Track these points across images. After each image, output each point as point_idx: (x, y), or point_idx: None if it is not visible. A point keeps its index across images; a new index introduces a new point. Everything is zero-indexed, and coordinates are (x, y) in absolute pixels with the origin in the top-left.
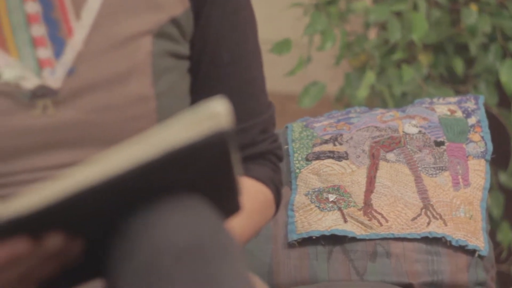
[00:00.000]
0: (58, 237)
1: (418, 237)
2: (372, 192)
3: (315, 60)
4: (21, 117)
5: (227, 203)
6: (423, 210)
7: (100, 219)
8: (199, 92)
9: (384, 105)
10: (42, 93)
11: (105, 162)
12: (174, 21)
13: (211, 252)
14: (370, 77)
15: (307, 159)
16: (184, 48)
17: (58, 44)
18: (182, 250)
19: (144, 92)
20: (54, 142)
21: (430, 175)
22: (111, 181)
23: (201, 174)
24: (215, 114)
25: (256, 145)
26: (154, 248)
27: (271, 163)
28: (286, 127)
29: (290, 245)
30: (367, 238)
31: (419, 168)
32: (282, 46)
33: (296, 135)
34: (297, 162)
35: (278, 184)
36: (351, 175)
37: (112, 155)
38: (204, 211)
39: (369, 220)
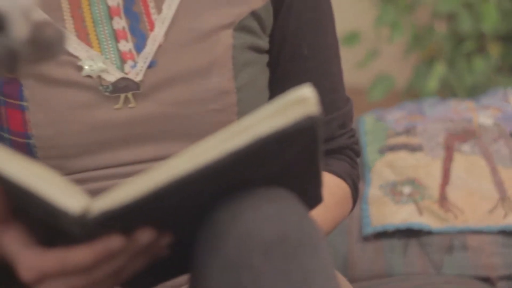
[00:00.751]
0: (149, 233)
1: (495, 230)
2: (447, 184)
3: (381, 53)
4: (103, 111)
5: (310, 194)
6: (500, 202)
7: (187, 213)
8: (278, 86)
9: (454, 96)
10: (123, 86)
11: (194, 154)
12: (255, 14)
13: (298, 245)
14: (439, 69)
15: (380, 152)
16: (263, 42)
17: (139, 37)
18: (269, 243)
19: (224, 86)
20: (135, 136)
21: (506, 167)
22: (201, 173)
23: (288, 163)
24: (304, 99)
25: (335, 140)
26: (242, 242)
27: (349, 158)
28: (358, 120)
29: (365, 239)
30: (443, 231)
31: (495, 160)
32: (351, 38)
33: (368, 127)
34: (370, 155)
35: (356, 180)
36: (425, 167)
37: (200, 146)
38: (290, 202)
39: (445, 212)
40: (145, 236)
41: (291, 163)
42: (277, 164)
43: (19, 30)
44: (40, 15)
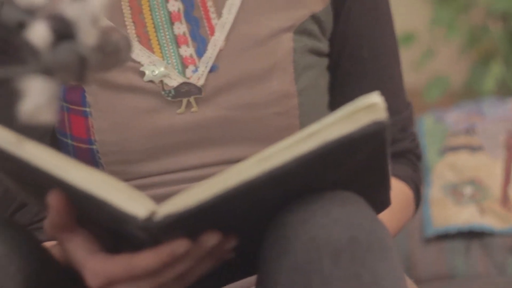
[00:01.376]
0: (214, 236)
1: None
2: (509, 184)
3: (437, 53)
4: (165, 115)
5: (378, 199)
6: None
7: (254, 216)
8: (338, 89)
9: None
10: (185, 90)
11: (262, 158)
12: (315, 18)
13: (368, 248)
14: (496, 68)
15: (440, 153)
16: (323, 45)
17: (200, 42)
18: (339, 246)
19: (286, 89)
20: (197, 140)
21: None
22: (268, 177)
23: (356, 167)
24: (372, 105)
25: (396, 144)
26: (311, 245)
27: (411, 162)
28: (416, 121)
29: (427, 240)
30: (505, 232)
31: None
32: (406, 39)
33: (427, 128)
34: (430, 156)
35: (418, 184)
36: (486, 167)
37: (268, 151)
38: (359, 206)
39: (507, 213)
40: (210, 239)
41: (359, 168)
42: (345, 169)
43: (88, 37)
44: (106, 21)
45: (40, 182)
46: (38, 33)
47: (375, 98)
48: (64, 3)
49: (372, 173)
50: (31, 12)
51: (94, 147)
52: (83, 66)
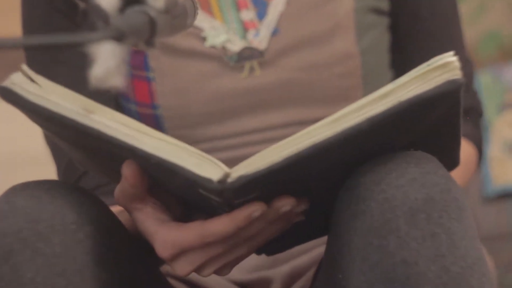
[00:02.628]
0: (289, 200)
1: None
2: None
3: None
4: (228, 80)
5: (449, 157)
6: None
7: (326, 178)
8: (398, 49)
9: None
10: (248, 55)
11: (335, 119)
12: None
13: (443, 207)
14: None
15: (498, 110)
16: (384, 4)
17: (260, 5)
18: (415, 206)
19: (348, 49)
20: (261, 103)
21: None
22: (342, 138)
23: (430, 127)
24: (447, 64)
25: None
26: (387, 206)
27: (473, 120)
28: None
29: (486, 199)
30: None
31: None
32: None
33: (484, 85)
34: (488, 113)
35: (480, 141)
36: None
37: (341, 112)
38: (433, 165)
39: None
40: (285, 205)
41: (433, 128)
42: (419, 129)
43: (157, 0)
44: None
45: (109, 151)
46: None
47: (450, 57)
48: None
49: (445, 133)
50: None
51: (158, 112)
52: (153, 29)
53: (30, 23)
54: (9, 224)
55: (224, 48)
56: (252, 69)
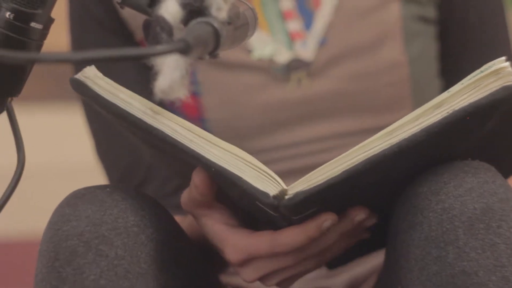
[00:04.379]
0: (364, 211)
1: None
2: None
3: None
4: (277, 92)
5: (506, 164)
6: None
7: (383, 190)
8: (448, 57)
9: None
10: (295, 66)
11: (390, 132)
12: None
13: (502, 217)
14: None
15: None
16: (430, 12)
17: (307, 16)
18: (474, 216)
19: (396, 58)
20: (310, 114)
21: None
22: (397, 149)
23: (486, 134)
24: (500, 70)
25: None
26: (446, 215)
27: None
28: None
29: None
30: None
31: None
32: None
33: None
34: None
35: None
36: None
37: (395, 124)
38: (491, 174)
39: None
40: (360, 214)
41: (489, 135)
42: (475, 136)
43: (220, 11)
44: None
45: (173, 152)
46: (170, 9)
47: (502, 63)
48: None
49: (501, 140)
50: None
51: (206, 125)
52: (217, 41)
53: (82, 46)
54: (72, 227)
55: (271, 60)
56: (299, 80)
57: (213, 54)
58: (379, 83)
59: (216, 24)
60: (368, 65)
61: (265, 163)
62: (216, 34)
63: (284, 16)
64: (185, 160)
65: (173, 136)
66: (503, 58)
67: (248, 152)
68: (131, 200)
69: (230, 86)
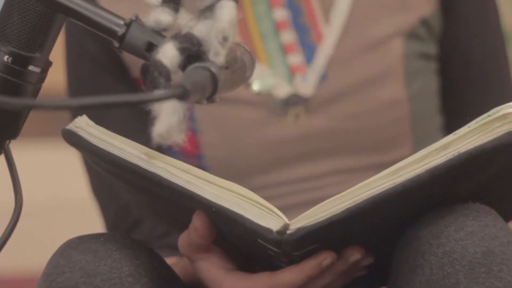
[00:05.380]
0: (359, 251)
1: None
2: None
3: None
4: (274, 128)
5: (508, 207)
6: None
7: (384, 230)
8: (449, 94)
9: None
10: (294, 101)
11: (393, 172)
12: (424, 21)
13: (503, 260)
14: None
15: None
16: (433, 49)
17: (308, 49)
18: (475, 260)
19: (397, 96)
20: (309, 151)
21: None
22: (401, 189)
23: (490, 178)
24: (507, 115)
25: None
26: (446, 259)
27: None
28: None
29: None
30: None
31: None
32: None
33: None
34: None
35: None
36: None
37: (399, 165)
38: (492, 218)
39: None
40: (354, 252)
41: (493, 178)
42: (479, 179)
43: (218, 56)
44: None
45: (170, 197)
46: (168, 54)
47: (510, 108)
48: (192, 22)
49: (505, 183)
50: (159, 32)
51: (204, 162)
52: (215, 86)
53: (78, 84)
54: (67, 278)
55: (269, 94)
56: (297, 116)
57: (211, 99)
58: (379, 121)
59: (213, 69)
60: (368, 103)
61: (264, 199)
62: (214, 79)
63: (284, 50)
64: (182, 204)
65: (169, 179)
66: (511, 103)
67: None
68: (125, 250)
69: (228, 122)
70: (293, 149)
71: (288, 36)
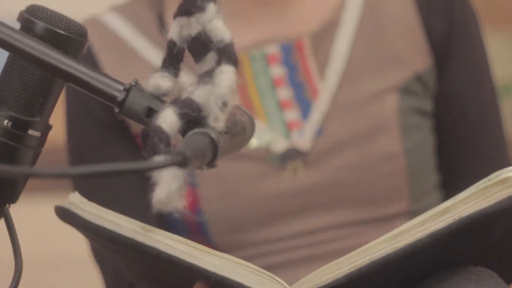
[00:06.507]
0: None
1: None
2: None
3: None
4: (272, 182)
5: (508, 271)
6: None
7: None
8: (445, 151)
9: None
10: (292, 155)
11: (393, 236)
12: (418, 77)
13: None
14: None
15: None
16: (428, 105)
17: (304, 105)
18: None
19: (393, 150)
20: (306, 206)
21: None
22: (402, 254)
23: (491, 242)
24: (507, 179)
25: None
26: None
27: None
28: None
29: None
30: None
31: None
32: (505, 89)
33: None
34: None
35: None
36: None
37: (400, 229)
38: (494, 282)
39: None
40: None
41: (494, 242)
42: (480, 243)
43: (218, 122)
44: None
45: (168, 270)
46: (167, 119)
47: (510, 172)
48: (192, 87)
49: (506, 247)
50: (159, 97)
51: (203, 217)
52: (215, 152)
53: (79, 143)
54: None
55: (267, 149)
56: (295, 170)
57: (211, 164)
58: (375, 174)
59: (213, 135)
60: (365, 156)
61: (263, 255)
62: (214, 145)
63: (281, 106)
64: (181, 274)
65: (168, 252)
66: (511, 167)
67: (244, 245)
68: None
69: (226, 177)
70: (291, 203)
71: (285, 93)
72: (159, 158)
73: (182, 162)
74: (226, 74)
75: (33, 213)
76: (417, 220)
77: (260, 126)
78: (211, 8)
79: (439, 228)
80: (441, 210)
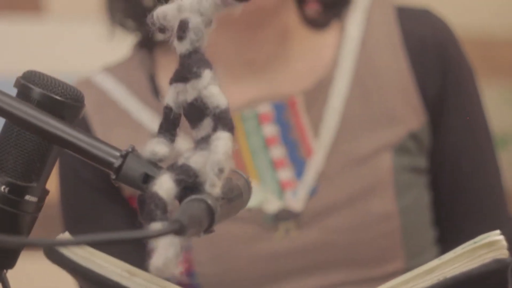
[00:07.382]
0: None
1: None
2: None
3: None
4: (265, 243)
5: None
6: None
7: None
8: (441, 206)
9: None
10: (284, 216)
11: None
12: (413, 135)
13: None
14: None
15: None
16: (423, 162)
17: (298, 164)
18: None
19: (387, 209)
20: (299, 267)
21: None
22: None
23: None
24: (493, 242)
25: None
26: None
27: None
28: None
29: None
30: None
31: None
32: (503, 141)
33: None
34: None
35: None
36: None
37: (386, 285)
38: None
39: None
40: None
41: None
42: None
43: (214, 188)
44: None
45: None
46: (164, 186)
47: (497, 236)
48: (188, 153)
49: None
50: (156, 163)
51: (195, 280)
52: (212, 218)
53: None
54: None
55: (260, 210)
56: (288, 231)
57: (208, 230)
58: (369, 235)
59: (210, 201)
60: (359, 217)
61: None
62: (211, 212)
63: (274, 165)
64: None
65: None
66: (498, 231)
67: None
68: None
69: (218, 239)
70: (284, 264)
71: (278, 152)
72: (156, 226)
73: (179, 230)
74: (222, 141)
75: (28, 268)
76: (403, 278)
77: (252, 186)
78: (206, 74)
79: (424, 287)
80: (426, 269)
